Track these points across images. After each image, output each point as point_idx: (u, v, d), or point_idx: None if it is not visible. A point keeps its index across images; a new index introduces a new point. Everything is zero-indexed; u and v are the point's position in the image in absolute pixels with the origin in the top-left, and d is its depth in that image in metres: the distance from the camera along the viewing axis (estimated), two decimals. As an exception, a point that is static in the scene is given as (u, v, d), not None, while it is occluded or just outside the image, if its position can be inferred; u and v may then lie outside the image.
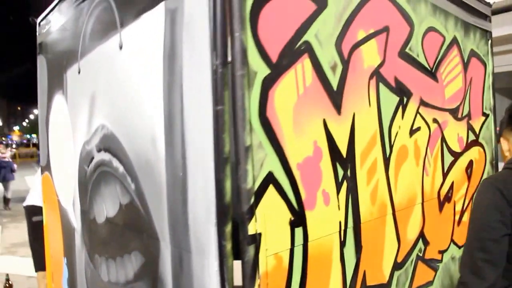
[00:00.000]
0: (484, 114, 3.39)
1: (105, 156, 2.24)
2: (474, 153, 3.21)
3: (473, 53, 3.22)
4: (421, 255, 2.58)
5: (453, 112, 2.97)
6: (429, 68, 2.69)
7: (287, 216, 1.66)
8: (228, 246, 1.47)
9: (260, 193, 1.55)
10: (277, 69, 1.64)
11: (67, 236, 3.05)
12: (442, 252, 2.81)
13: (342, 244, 1.95)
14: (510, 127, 2.23)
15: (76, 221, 2.82)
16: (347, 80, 2.00)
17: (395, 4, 2.36)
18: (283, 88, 1.67)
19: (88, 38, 2.42)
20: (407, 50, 2.47)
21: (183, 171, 1.61)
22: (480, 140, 3.33)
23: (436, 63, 2.77)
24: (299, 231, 1.71)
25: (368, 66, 2.16)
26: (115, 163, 2.14)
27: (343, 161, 1.97)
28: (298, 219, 1.71)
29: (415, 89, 2.54)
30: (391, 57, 2.33)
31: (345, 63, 2.00)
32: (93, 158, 2.39)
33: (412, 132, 2.52)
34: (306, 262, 1.74)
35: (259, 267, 1.52)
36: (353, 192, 2.02)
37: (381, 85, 2.25)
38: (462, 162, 3.06)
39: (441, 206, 2.78)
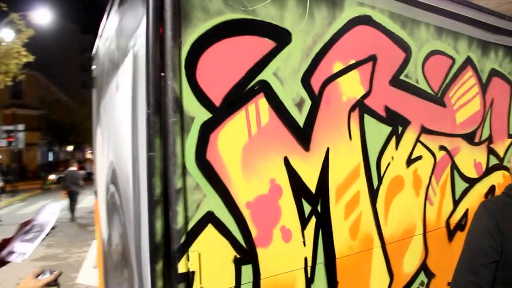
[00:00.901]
0: (511, 136, 2.82)
1: (112, 188, 2.22)
2: (496, 177, 2.67)
3: (495, 73, 2.69)
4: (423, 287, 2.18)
5: (468, 137, 2.49)
6: (433, 94, 2.29)
7: (231, 254, 1.47)
8: (159, 283, 1.32)
9: (195, 232, 1.38)
10: (221, 113, 1.46)
11: (102, 258, 3.06)
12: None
13: (309, 280, 1.69)
14: None
15: (104, 246, 2.82)
16: (318, 116, 1.74)
17: (384, 31, 2.02)
18: (229, 130, 1.48)
19: (105, 79, 2.44)
20: (402, 77, 2.11)
21: (133, 212, 1.51)
22: (506, 163, 2.77)
23: (443, 88, 2.34)
24: (247, 268, 1.50)
25: (348, 98, 1.86)
26: (116, 196, 2.10)
27: (312, 197, 1.71)
28: (246, 256, 1.50)
29: (414, 116, 2.16)
30: (379, 87, 2.00)
31: (316, 98, 1.74)
32: (108, 189, 2.39)
33: (411, 161, 2.14)
34: (257, 300, 1.53)
35: (192, 308, 1.36)
36: (324, 227, 1.75)
37: (366, 117, 1.93)
38: (480, 188, 2.56)
39: (451, 235, 2.33)
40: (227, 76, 1.48)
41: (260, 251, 1.54)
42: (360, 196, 1.89)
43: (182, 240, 1.34)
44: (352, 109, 1.88)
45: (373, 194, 1.95)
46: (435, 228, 2.25)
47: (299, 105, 1.69)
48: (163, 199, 1.34)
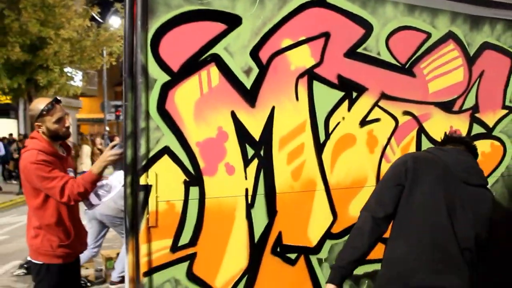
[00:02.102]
0: (507, 107, 2.89)
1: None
2: (480, 146, 2.80)
3: (488, 46, 2.79)
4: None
5: (444, 105, 2.70)
6: (400, 65, 2.57)
7: (182, 177, 2.13)
8: (128, 190, 2.05)
9: (154, 159, 2.07)
10: (178, 76, 2.10)
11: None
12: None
13: (250, 206, 2.27)
14: None
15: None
16: (265, 80, 2.27)
17: (339, 11, 2.40)
18: (184, 89, 2.12)
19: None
20: (360, 50, 2.47)
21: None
22: (498, 133, 2.87)
23: (412, 60, 2.60)
24: (194, 189, 2.15)
25: (297, 68, 2.34)
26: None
27: (255, 143, 2.26)
28: (194, 180, 2.15)
29: (372, 84, 2.51)
30: (332, 58, 2.40)
31: (263, 67, 2.26)
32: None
33: (366, 123, 2.51)
34: (202, 212, 2.17)
35: (149, 207, 2.06)
36: (266, 168, 2.29)
37: (315, 83, 2.38)
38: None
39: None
40: (183, 51, 2.11)
41: (206, 179, 2.17)
42: (305, 147, 2.38)
43: (144, 163, 2.05)
44: (300, 76, 2.35)
45: (319, 146, 2.40)
46: (391, 183, 2.58)
47: (247, 72, 2.23)
48: (133, 135, 2.04)
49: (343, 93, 2.45)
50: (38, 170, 2.29)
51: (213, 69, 2.18)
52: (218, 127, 2.20)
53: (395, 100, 2.59)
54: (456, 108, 2.77)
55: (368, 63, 2.50)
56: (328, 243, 2.46)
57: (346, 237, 2.43)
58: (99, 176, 2.39)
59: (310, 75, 2.37)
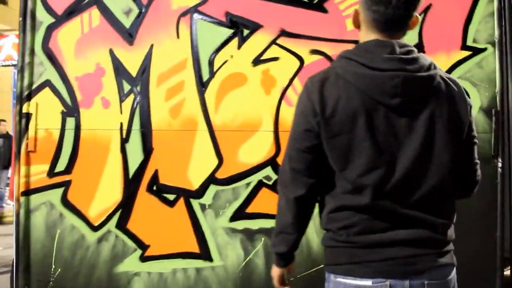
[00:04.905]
0: (467, 47, 2.27)
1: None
2: None
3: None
4: (269, 183, 2.31)
5: None
6: (306, 1, 2.34)
7: (60, 108, 2.36)
8: (17, 118, 2.38)
9: (37, 90, 2.37)
10: (61, 19, 2.39)
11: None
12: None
13: (124, 140, 2.34)
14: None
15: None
16: (144, 20, 2.38)
17: None
18: (66, 30, 2.40)
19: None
20: (252, -15, 2.36)
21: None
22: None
23: (323, -7, 2.34)
24: (71, 120, 2.36)
25: (179, 7, 2.38)
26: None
27: (132, 79, 2.36)
28: (71, 112, 2.36)
29: (270, 21, 2.35)
30: (220, -4, 2.36)
31: (143, 8, 2.38)
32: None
33: (260, 62, 2.34)
34: (78, 142, 2.35)
35: (28, 133, 2.34)
36: (142, 104, 2.35)
37: (199, 21, 2.36)
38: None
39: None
40: (68, -3, 2.41)
41: (82, 111, 2.37)
42: (185, 85, 2.35)
43: (26, 93, 2.37)
44: (182, 15, 2.37)
45: (202, 85, 2.34)
46: (292, 129, 2.31)
47: (127, 13, 2.39)
48: (21, 69, 2.39)
49: (232, 31, 2.36)
50: None
51: (94, 11, 2.41)
52: (96, 63, 2.39)
53: (299, 38, 2.35)
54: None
55: (266, 0, 2.36)
56: (213, 189, 2.33)
57: (233, 185, 2.31)
58: None
59: (193, 13, 2.37)
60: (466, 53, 2.30)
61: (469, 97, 1.17)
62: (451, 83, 1.15)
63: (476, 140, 1.21)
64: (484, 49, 2.26)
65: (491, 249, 2.13)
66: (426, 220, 1.11)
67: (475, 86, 2.27)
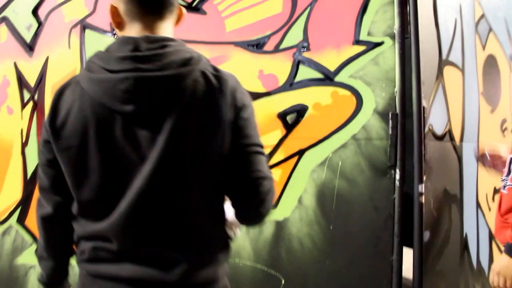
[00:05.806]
0: (360, 42, 2.08)
1: None
2: (310, 93, 2.14)
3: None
4: None
5: (249, 45, 2.28)
6: (184, 3, 2.40)
7: (-26, 116, 2.67)
8: None
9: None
10: (-23, 37, 2.71)
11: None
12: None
13: (24, 144, 2.58)
14: None
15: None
16: (41, 34, 2.61)
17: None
18: (-20, 46, 2.70)
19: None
20: (133, -6, 2.47)
21: None
22: (347, 79, 2.09)
23: (199, -4, 2.38)
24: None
25: (70, 20, 2.57)
26: None
27: (31, 89, 2.60)
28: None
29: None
30: (103, 7, 2.51)
31: (42, 22, 2.62)
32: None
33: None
34: (-13, 146, 2.63)
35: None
36: (38, 110, 2.57)
37: (87, 31, 2.54)
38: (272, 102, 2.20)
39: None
40: (-18, 17, 2.72)
41: (-11, 117, 2.66)
42: (74, 91, 2.52)
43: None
44: (74, 26, 2.56)
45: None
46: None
47: (29, 28, 2.64)
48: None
49: (114, 37, 2.50)
50: None
51: (3, 28, 2.69)
52: (3, 76, 2.67)
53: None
54: (269, 47, 2.29)
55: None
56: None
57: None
58: None
59: (83, 24, 2.55)
60: (360, 48, 2.13)
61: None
62: (213, 79, 0.96)
63: (256, 149, 1.00)
64: (380, 43, 2.01)
65: (385, 273, 1.80)
66: (160, 256, 0.94)
67: (369, 86, 2.00)
